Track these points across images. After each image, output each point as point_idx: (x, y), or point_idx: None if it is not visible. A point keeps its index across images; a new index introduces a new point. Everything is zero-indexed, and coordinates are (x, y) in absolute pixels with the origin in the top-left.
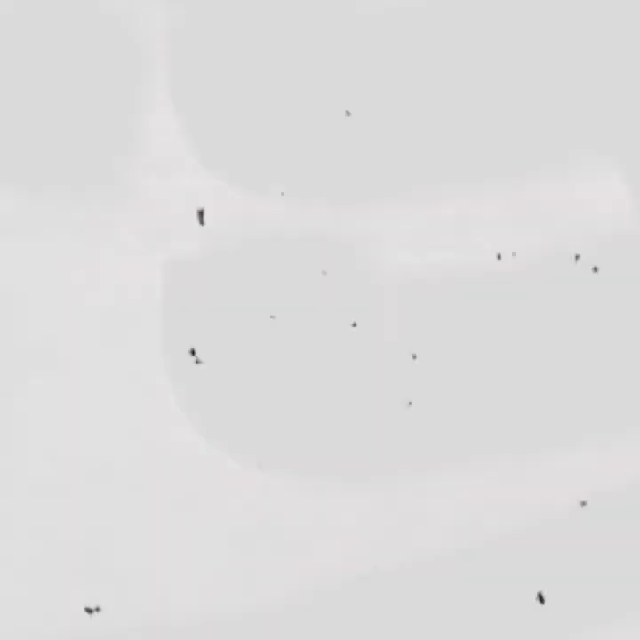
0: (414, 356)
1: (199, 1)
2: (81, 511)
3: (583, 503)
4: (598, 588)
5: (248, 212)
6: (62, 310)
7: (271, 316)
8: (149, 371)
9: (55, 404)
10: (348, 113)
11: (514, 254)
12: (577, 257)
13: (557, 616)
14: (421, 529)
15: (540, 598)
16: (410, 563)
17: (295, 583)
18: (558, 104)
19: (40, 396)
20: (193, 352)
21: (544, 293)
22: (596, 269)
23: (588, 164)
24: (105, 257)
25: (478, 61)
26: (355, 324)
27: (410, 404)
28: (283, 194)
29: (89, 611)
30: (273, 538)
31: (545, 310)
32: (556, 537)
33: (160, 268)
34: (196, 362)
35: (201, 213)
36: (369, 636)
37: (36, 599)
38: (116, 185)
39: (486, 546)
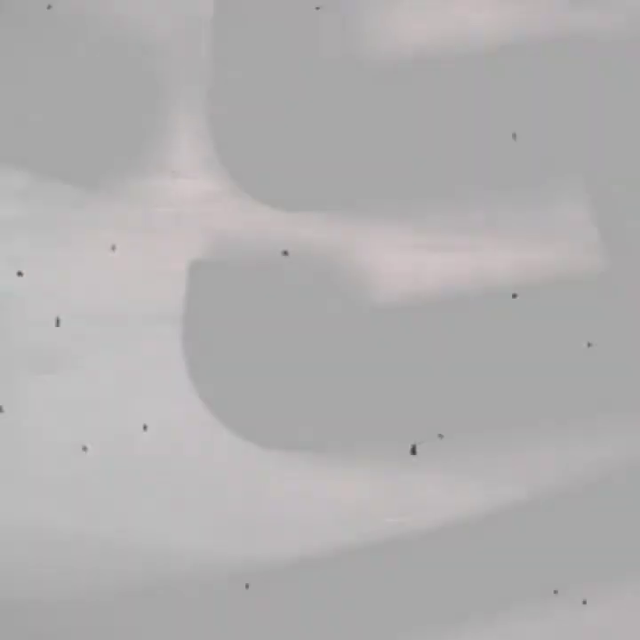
0: (413, 356)
1: (203, 6)
2: (83, 509)
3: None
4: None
5: (248, 215)
6: (64, 311)
7: (271, 317)
8: (154, 370)
9: (58, 404)
10: (347, 121)
11: (509, 262)
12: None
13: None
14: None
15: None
16: (401, 533)
17: (292, 556)
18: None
19: (42, 396)
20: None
21: (541, 298)
22: (585, 263)
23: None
24: (108, 257)
25: (474, 69)
26: (353, 327)
27: (405, 398)
28: (283, 200)
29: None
30: (269, 512)
31: (541, 313)
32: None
33: (165, 269)
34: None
35: None
36: (360, 601)
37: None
38: (119, 185)
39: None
